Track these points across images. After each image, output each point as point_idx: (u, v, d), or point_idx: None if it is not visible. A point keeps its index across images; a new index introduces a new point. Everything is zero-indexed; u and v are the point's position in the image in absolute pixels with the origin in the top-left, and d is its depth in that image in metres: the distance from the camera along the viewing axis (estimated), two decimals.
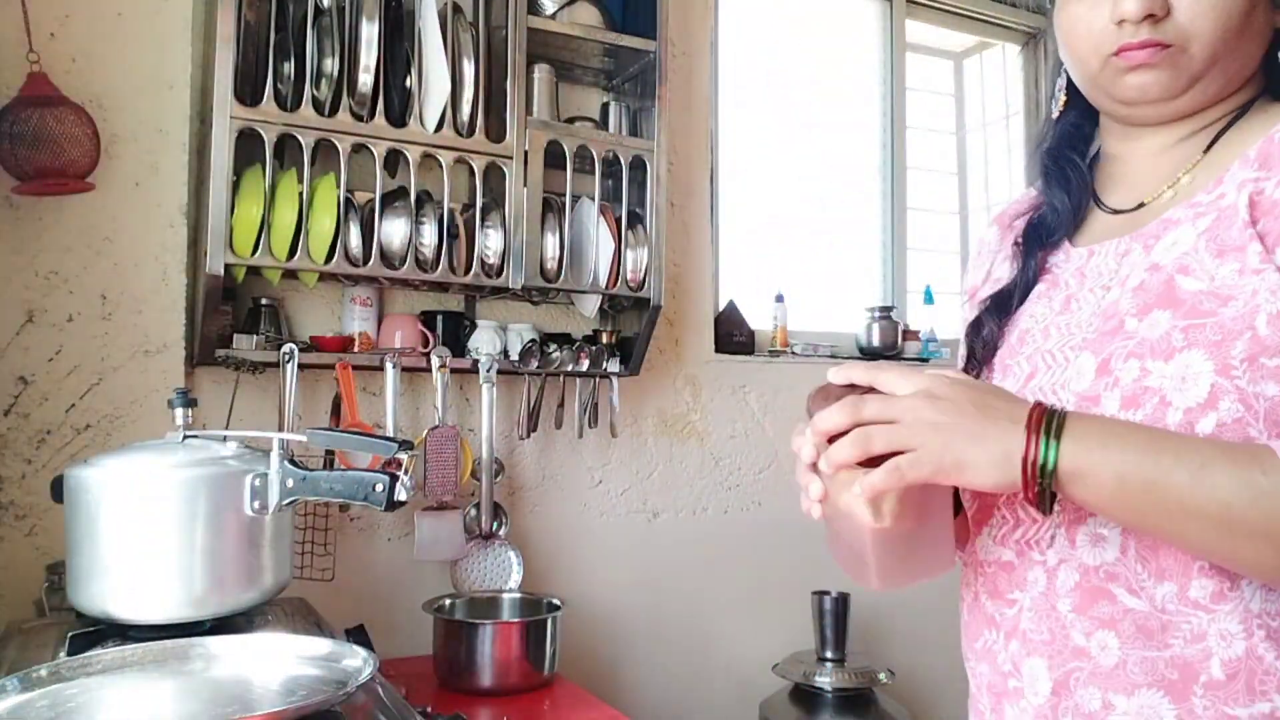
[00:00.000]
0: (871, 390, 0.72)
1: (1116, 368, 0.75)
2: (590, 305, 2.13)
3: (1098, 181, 0.91)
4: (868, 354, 2.65)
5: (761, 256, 2.66)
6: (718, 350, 2.43)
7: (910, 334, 2.73)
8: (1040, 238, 0.91)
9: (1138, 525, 0.70)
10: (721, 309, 2.47)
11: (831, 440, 0.71)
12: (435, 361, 1.91)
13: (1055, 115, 0.93)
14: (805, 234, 2.77)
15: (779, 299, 2.54)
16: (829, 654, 2.19)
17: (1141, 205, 0.84)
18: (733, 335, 2.46)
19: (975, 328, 0.91)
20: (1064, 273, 0.87)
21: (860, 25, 2.89)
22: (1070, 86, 0.91)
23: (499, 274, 1.90)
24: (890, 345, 2.65)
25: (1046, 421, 0.68)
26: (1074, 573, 0.77)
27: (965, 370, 0.91)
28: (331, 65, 1.73)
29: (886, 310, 2.68)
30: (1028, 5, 3.02)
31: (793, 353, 2.54)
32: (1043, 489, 0.67)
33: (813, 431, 0.72)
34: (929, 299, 2.81)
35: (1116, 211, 0.87)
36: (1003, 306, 0.90)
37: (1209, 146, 0.82)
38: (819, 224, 2.80)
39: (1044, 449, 0.67)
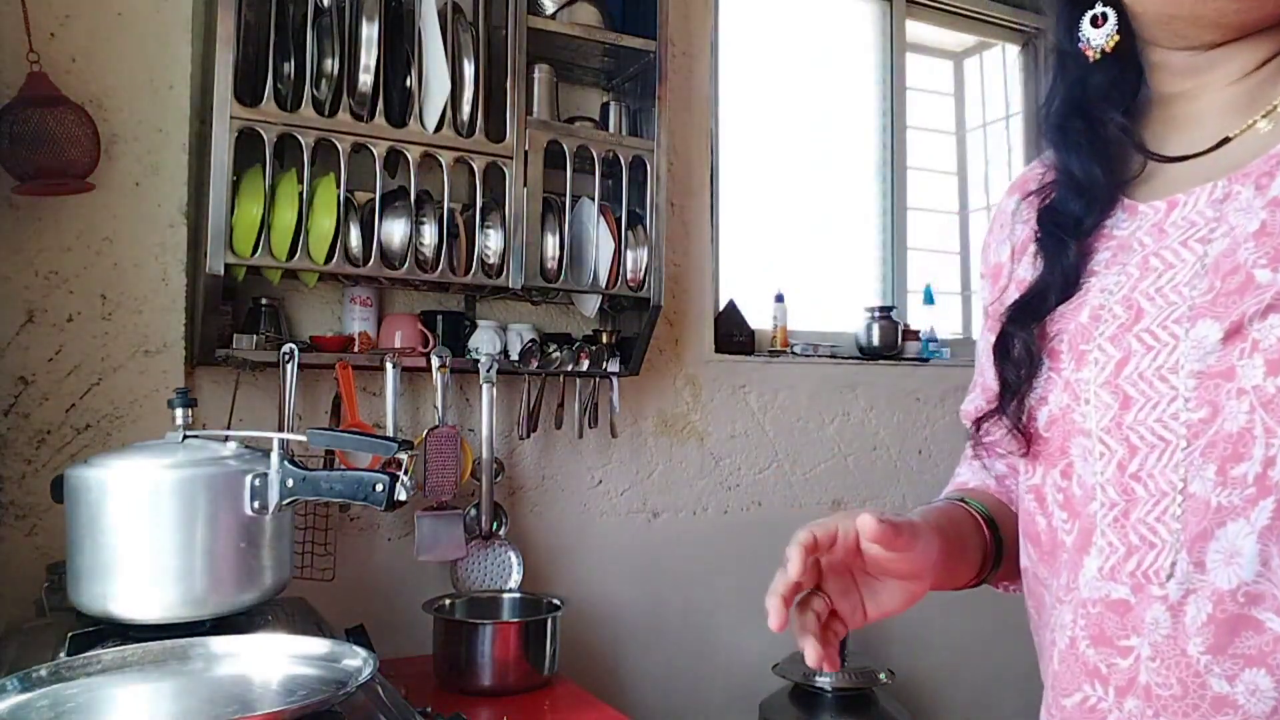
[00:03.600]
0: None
1: (1253, 329, 0.61)
2: (590, 305, 2.13)
3: (1147, 132, 0.76)
4: (868, 354, 2.65)
5: (761, 256, 2.66)
6: (718, 350, 2.43)
7: (910, 334, 2.73)
8: (1066, 225, 0.75)
9: None
10: (721, 309, 2.47)
11: None
12: (435, 361, 1.91)
13: (1098, 57, 0.74)
14: (805, 234, 2.77)
15: (779, 299, 2.53)
16: None
17: (1227, 140, 0.69)
18: (733, 335, 2.46)
19: (1004, 349, 0.74)
20: (1134, 232, 0.72)
21: (860, 25, 2.89)
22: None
23: (499, 274, 1.90)
24: (890, 345, 2.65)
25: None
26: (1205, 603, 0.62)
27: (1000, 407, 0.75)
28: (331, 65, 1.73)
29: (886, 310, 2.68)
30: (1028, 5, 3.02)
31: (793, 353, 2.54)
32: None
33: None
34: (929, 299, 2.81)
35: (1186, 157, 0.71)
36: (1033, 312, 0.74)
37: None
38: (819, 224, 2.80)
39: None
